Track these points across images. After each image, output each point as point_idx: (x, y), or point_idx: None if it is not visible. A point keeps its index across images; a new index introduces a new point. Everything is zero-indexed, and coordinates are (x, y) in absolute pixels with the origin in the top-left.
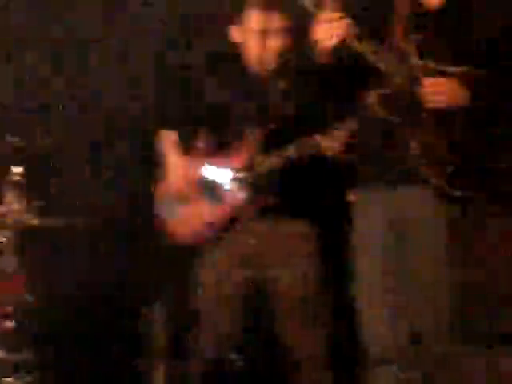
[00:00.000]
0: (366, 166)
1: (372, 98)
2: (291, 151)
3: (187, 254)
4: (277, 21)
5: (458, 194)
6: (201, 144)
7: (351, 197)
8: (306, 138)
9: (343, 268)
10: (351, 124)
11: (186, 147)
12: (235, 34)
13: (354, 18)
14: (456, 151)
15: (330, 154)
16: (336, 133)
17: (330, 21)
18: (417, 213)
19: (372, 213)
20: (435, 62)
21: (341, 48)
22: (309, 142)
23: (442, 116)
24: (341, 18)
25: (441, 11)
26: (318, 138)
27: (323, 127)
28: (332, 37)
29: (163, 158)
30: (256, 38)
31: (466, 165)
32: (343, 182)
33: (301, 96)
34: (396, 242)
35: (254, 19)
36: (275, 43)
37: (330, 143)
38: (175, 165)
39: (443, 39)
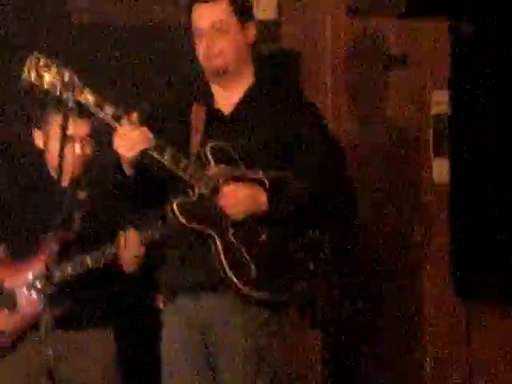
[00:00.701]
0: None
1: (173, 206)
2: (87, 260)
3: None
4: (83, 128)
5: (265, 296)
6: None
7: (159, 303)
8: (103, 247)
9: None
10: (150, 232)
11: None
12: (37, 138)
13: (150, 129)
14: (258, 256)
15: (125, 263)
16: (131, 240)
17: (129, 133)
18: (224, 320)
19: (178, 321)
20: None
21: (141, 159)
22: (105, 250)
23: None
24: (139, 130)
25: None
26: (113, 246)
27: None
28: (131, 149)
29: None
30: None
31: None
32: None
33: (99, 206)
34: (204, 351)
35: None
36: (78, 151)
37: (125, 252)
38: None
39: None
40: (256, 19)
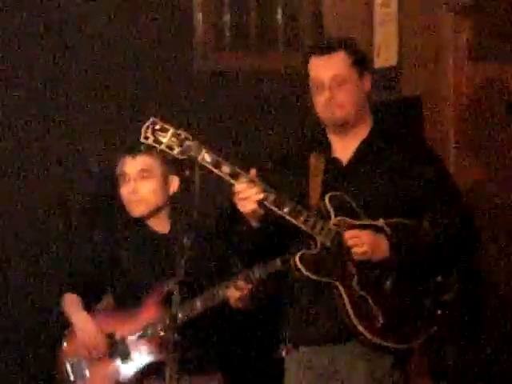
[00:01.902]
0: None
1: (295, 259)
2: (197, 304)
3: None
4: (135, 165)
5: (391, 345)
6: (104, 305)
7: (281, 353)
8: (211, 291)
9: None
10: (255, 275)
11: (89, 309)
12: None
13: (270, 181)
14: (384, 305)
15: (235, 305)
16: (239, 283)
17: (245, 190)
18: (349, 367)
19: (302, 369)
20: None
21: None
22: (214, 294)
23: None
24: (256, 184)
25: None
26: (222, 290)
27: (228, 279)
28: (248, 205)
29: (70, 320)
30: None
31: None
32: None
33: (203, 251)
34: None
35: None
36: (138, 187)
37: (234, 294)
38: (83, 323)
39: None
40: (377, 66)
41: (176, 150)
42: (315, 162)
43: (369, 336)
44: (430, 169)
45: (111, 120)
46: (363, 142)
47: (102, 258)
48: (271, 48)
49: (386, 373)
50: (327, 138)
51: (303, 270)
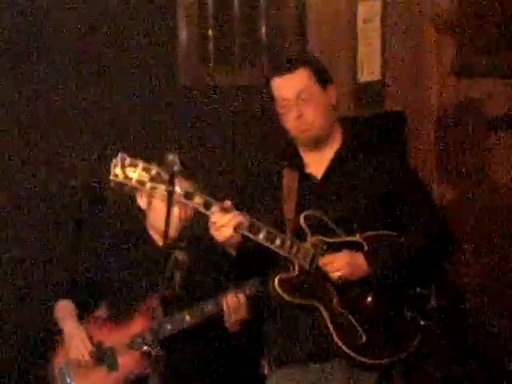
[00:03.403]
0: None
1: (274, 283)
2: (186, 318)
3: None
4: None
5: (376, 361)
6: (99, 313)
7: (264, 370)
8: (202, 304)
9: None
10: (249, 288)
11: (84, 316)
12: (141, 201)
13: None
14: (366, 321)
15: (227, 319)
16: (229, 298)
17: (219, 220)
18: None
19: None
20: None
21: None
22: (204, 307)
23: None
24: (230, 215)
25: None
26: (213, 304)
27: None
28: (223, 234)
29: (60, 326)
30: (162, 203)
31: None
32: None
33: (199, 266)
34: None
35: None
36: (181, 214)
37: (226, 308)
38: (72, 331)
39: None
40: (361, 81)
41: (147, 185)
42: (288, 177)
43: (352, 354)
44: (405, 180)
45: (93, 136)
46: (336, 157)
47: (97, 266)
48: (255, 63)
49: None
50: (299, 153)
51: (282, 294)
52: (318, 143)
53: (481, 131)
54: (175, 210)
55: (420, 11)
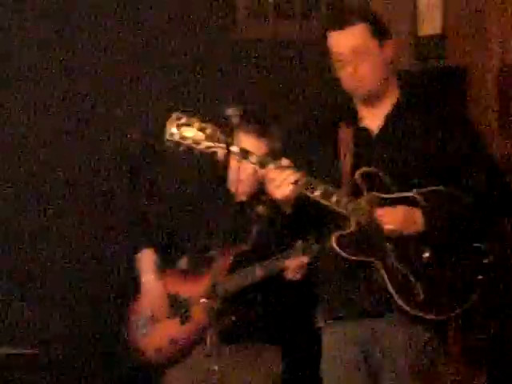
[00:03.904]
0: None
1: (332, 241)
2: (257, 272)
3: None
4: (260, 147)
5: (433, 317)
6: (181, 264)
7: (320, 323)
8: (271, 260)
9: None
10: (313, 250)
11: (165, 267)
12: (220, 151)
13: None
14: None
15: (292, 277)
16: (298, 257)
17: (275, 177)
18: (389, 339)
19: (340, 340)
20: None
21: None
22: (273, 264)
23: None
24: (286, 172)
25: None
26: (281, 260)
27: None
28: (280, 192)
29: (140, 277)
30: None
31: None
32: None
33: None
34: (367, 370)
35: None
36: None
37: (293, 266)
38: (149, 285)
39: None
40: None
41: (203, 144)
42: (344, 132)
43: (410, 310)
44: (464, 136)
45: (150, 88)
46: (392, 111)
47: (181, 215)
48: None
49: (425, 344)
50: (354, 107)
51: (341, 252)
52: (372, 98)
53: None
54: (248, 167)
55: None
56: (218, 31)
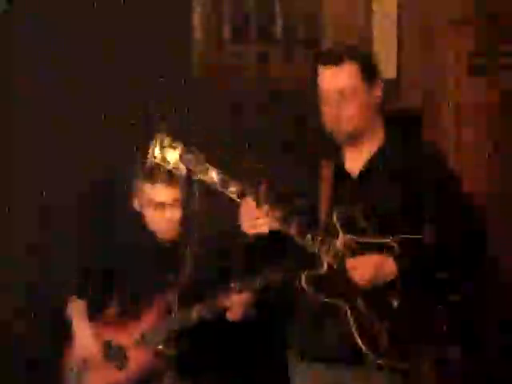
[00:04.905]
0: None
1: (301, 280)
2: (193, 315)
3: None
4: (172, 194)
5: (398, 364)
6: (111, 310)
7: (290, 363)
8: (208, 302)
9: None
10: (254, 283)
11: (96, 313)
12: (135, 202)
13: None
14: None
15: (232, 316)
16: (236, 295)
17: (251, 211)
18: None
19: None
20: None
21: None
22: (210, 305)
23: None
24: (263, 207)
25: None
26: (218, 301)
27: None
28: (254, 227)
29: (71, 325)
30: (152, 210)
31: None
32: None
33: (205, 263)
34: None
35: (147, 192)
36: (173, 214)
37: (231, 304)
38: (81, 331)
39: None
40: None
41: (182, 170)
42: (326, 169)
43: (374, 357)
44: (443, 185)
45: (107, 124)
46: (374, 155)
47: (108, 265)
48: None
49: None
50: (340, 146)
51: (309, 290)
52: (353, 140)
53: (502, 126)
54: (167, 214)
55: (437, 6)
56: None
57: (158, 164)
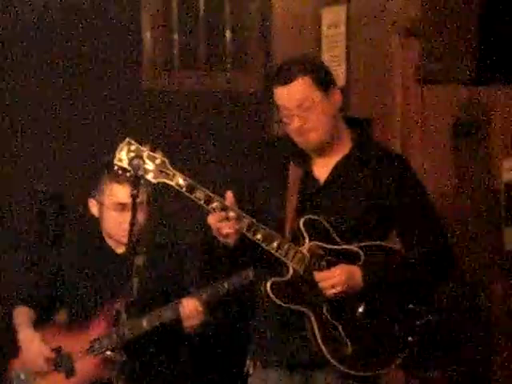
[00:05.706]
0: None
1: (266, 286)
2: (143, 323)
3: None
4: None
5: (360, 373)
6: (59, 318)
7: (248, 368)
8: (158, 310)
9: None
10: (209, 294)
11: (43, 322)
12: (92, 207)
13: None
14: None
15: (188, 325)
16: (186, 304)
17: (218, 218)
18: None
19: None
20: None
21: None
22: (162, 313)
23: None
24: (230, 213)
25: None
26: (170, 309)
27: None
28: (221, 233)
29: (17, 334)
30: (113, 212)
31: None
32: None
33: (156, 271)
34: None
35: (111, 193)
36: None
37: (187, 312)
38: (28, 340)
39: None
40: None
41: (150, 175)
42: (293, 174)
43: (337, 365)
44: (410, 193)
45: (58, 140)
46: (340, 162)
47: (56, 272)
48: (219, 68)
49: None
50: (308, 152)
51: (274, 297)
52: (321, 149)
53: (447, 137)
54: (127, 217)
55: (384, 18)
56: (125, 82)
57: (123, 167)
